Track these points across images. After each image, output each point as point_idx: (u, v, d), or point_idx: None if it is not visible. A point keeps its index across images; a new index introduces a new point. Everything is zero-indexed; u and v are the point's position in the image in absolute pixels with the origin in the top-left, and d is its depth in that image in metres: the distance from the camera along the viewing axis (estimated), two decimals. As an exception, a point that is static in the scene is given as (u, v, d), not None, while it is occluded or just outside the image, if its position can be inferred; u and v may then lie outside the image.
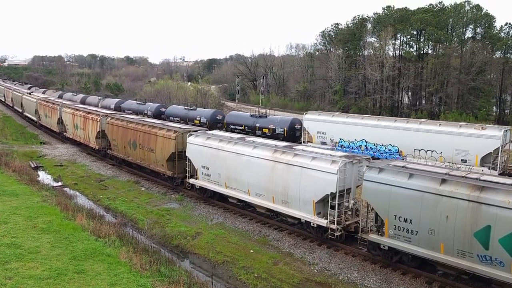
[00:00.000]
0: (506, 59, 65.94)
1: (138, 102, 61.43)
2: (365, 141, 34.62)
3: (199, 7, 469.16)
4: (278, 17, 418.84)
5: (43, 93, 79.93)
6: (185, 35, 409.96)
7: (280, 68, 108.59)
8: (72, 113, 42.76)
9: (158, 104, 58.80)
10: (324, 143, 37.18)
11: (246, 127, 42.94)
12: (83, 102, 64.55)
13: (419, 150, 30.91)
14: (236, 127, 44.06)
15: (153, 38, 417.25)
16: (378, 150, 33.54)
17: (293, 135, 39.81)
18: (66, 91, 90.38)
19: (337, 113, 43.88)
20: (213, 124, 44.87)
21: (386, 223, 16.91)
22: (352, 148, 35.17)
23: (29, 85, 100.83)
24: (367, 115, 39.34)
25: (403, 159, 30.27)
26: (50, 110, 49.64)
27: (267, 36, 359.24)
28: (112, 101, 64.58)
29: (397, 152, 32.38)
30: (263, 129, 41.46)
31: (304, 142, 39.06)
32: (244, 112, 55.38)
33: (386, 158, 29.27)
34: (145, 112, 54.76)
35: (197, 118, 47.25)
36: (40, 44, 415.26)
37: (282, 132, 39.71)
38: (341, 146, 36.03)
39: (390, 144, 32.85)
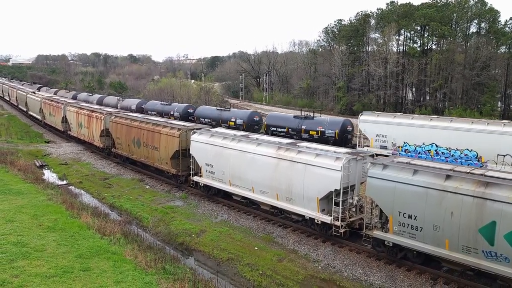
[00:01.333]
0: (510, 54, 65.35)
1: (162, 102, 55.81)
2: (436, 145, 30.85)
3: (201, 5, 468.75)
4: (281, 14, 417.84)
5: (55, 93, 76.26)
6: (188, 33, 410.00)
7: (283, 65, 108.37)
8: (76, 111, 42.91)
9: (185, 104, 54.05)
10: (384, 147, 33.45)
11: (290, 130, 38.93)
12: (100, 103, 59.62)
13: (504, 156, 27.12)
14: (278, 129, 39.77)
15: (156, 36, 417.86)
16: (452, 156, 30.09)
17: (346, 137, 36.30)
18: (80, 91, 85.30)
19: (399, 114, 39.06)
20: (250, 126, 41.02)
21: (390, 219, 16.88)
22: (419, 153, 31.44)
23: (38, 85, 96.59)
24: (436, 116, 35.45)
25: (482, 166, 26.95)
26: (54, 109, 49.85)
27: (270, 33, 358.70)
28: (133, 102, 59.54)
29: (476, 157, 28.89)
30: (310, 132, 37.46)
31: (359, 146, 35.24)
32: (283, 113, 49.89)
33: (462, 164, 25.73)
34: (171, 113, 50.21)
35: (232, 120, 42.98)
36: (44, 43, 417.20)
37: (333, 135, 36.07)
38: (405, 151, 32.37)
39: (467, 149, 29.24)
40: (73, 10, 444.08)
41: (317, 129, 37.42)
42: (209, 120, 45.17)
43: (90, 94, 70.52)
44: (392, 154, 29.23)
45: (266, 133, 40.10)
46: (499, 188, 14.11)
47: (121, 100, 61.28)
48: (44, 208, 22.01)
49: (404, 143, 32.68)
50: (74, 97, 67.25)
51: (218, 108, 48.03)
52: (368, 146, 34.57)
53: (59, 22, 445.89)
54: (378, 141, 34.35)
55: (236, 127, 41.10)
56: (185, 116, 47.67)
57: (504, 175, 15.30)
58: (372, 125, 35.00)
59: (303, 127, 38.37)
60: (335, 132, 36.11)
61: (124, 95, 78.69)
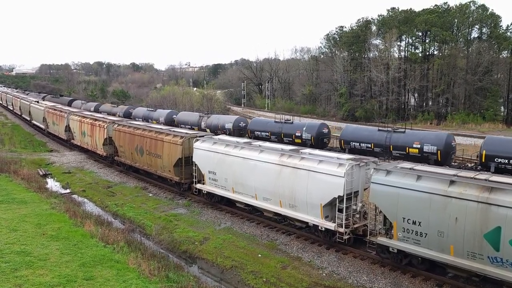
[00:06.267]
0: (512, 59, 65.46)
1: (202, 114, 51.86)
2: None
3: (203, 13, 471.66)
4: (282, 21, 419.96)
5: (69, 104, 71.26)
6: (190, 41, 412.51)
7: (285, 72, 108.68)
8: (79, 120, 43.07)
9: (236, 117, 49.49)
10: None
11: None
12: (127, 115, 58.06)
13: None
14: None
15: (158, 45, 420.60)
16: None
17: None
18: (90, 100, 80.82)
19: None
20: (320, 140, 37.79)
21: (394, 225, 16.79)
22: None
23: (43, 94, 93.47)
24: None
25: None
26: (57, 118, 50.05)
27: (272, 40, 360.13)
28: (162, 113, 56.13)
29: None
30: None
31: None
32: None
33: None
34: (204, 126, 46.41)
35: (297, 134, 38.91)
36: (47, 53, 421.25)
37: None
38: None
39: None
40: (76, 20, 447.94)
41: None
42: (267, 134, 41.41)
43: (115, 106, 68.10)
44: None
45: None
46: (504, 193, 14.02)
47: (152, 110, 57.70)
48: (48, 217, 22.03)
49: None
50: (96, 110, 63.78)
51: (278, 120, 42.47)
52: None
53: (62, 32, 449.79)
54: None
55: (303, 142, 37.70)
56: (237, 130, 43.73)
57: (508, 180, 15.21)
58: None
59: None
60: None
61: (127, 103, 78.75)
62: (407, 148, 31.09)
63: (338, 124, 62.31)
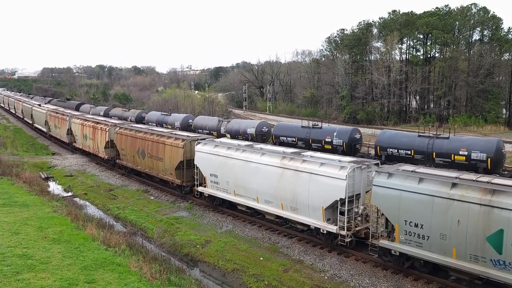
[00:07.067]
0: (514, 61, 65.38)
1: (221, 118, 49.37)
2: None
3: (205, 16, 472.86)
4: (284, 24, 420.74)
5: (77, 108, 68.55)
6: (192, 44, 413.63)
7: (287, 75, 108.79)
8: (81, 123, 43.16)
9: (260, 121, 46.90)
10: None
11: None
12: (140, 120, 55.04)
13: None
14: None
15: (160, 48, 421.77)
16: None
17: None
18: (99, 104, 77.57)
19: None
20: (352, 146, 36.17)
21: (396, 228, 16.75)
22: None
23: (48, 98, 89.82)
24: None
25: None
26: (59, 121, 50.17)
27: (273, 43, 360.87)
28: (177, 118, 52.71)
29: None
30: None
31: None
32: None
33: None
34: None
35: (327, 140, 37.02)
36: (49, 56, 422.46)
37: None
38: None
39: None
40: (78, 24, 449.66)
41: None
42: (293, 140, 39.34)
43: (126, 110, 65.04)
44: None
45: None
46: (506, 196, 13.97)
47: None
48: (49, 220, 22.03)
49: None
50: (106, 115, 61.58)
51: (305, 125, 39.67)
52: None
53: (64, 35, 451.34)
54: None
55: (334, 148, 35.69)
56: (260, 136, 41.97)
57: (511, 182, 15.16)
58: None
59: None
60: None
61: (128, 107, 78.24)
62: (452, 155, 29.11)
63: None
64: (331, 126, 39.76)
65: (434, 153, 30.28)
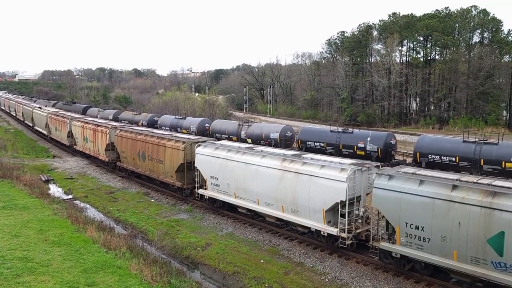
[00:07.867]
0: (514, 63, 65.43)
1: (241, 122, 46.96)
2: None
3: (205, 19, 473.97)
4: (284, 27, 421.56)
5: (83, 112, 65.21)
6: (192, 47, 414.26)
7: (287, 77, 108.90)
8: (81, 126, 43.19)
9: (284, 125, 44.17)
10: None
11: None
12: (152, 124, 53.13)
13: None
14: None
15: (160, 50, 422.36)
16: None
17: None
18: (110, 107, 73.52)
19: None
20: (387, 152, 33.42)
21: (397, 230, 16.73)
22: None
23: (52, 101, 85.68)
24: None
25: None
26: (60, 124, 50.20)
27: (274, 45, 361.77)
28: (193, 122, 49.85)
29: None
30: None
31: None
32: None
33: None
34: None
35: (360, 145, 34.40)
36: (50, 59, 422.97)
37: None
38: None
39: None
40: (78, 26, 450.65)
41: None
42: (322, 145, 37.07)
43: (136, 113, 60.84)
44: None
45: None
46: (507, 198, 13.95)
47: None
48: (50, 223, 22.02)
49: None
50: (115, 119, 59.07)
51: (334, 130, 37.09)
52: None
53: (64, 38, 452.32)
54: None
55: (368, 154, 33.20)
56: (284, 141, 40.07)
57: (511, 184, 15.15)
58: None
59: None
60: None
61: (129, 109, 78.08)
62: (503, 162, 27.17)
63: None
64: (362, 131, 37.67)
65: (482, 160, 28.21)
